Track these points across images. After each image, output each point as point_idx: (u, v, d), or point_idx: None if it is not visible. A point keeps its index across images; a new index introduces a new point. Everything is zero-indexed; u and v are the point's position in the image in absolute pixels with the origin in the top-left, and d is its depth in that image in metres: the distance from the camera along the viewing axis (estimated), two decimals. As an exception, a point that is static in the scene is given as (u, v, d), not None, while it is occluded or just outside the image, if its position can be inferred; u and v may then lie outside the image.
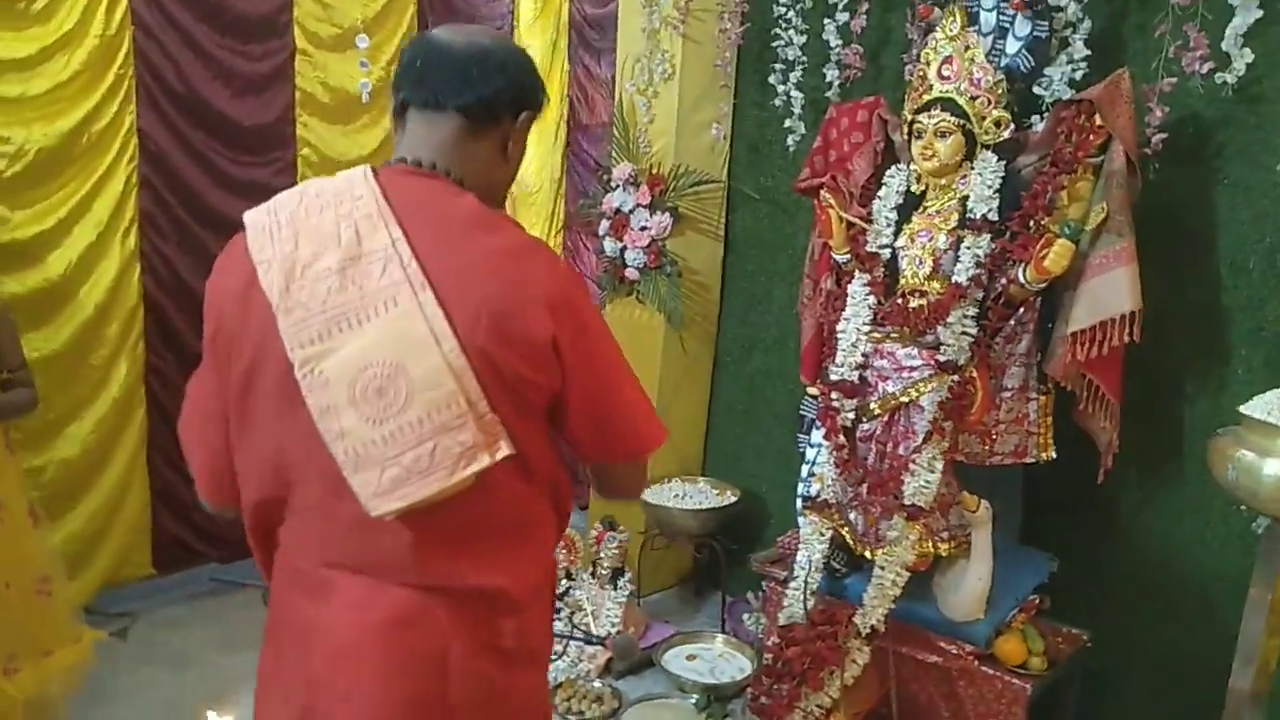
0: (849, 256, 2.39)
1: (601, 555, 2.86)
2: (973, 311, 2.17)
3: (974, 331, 2.17)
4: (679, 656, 2.72)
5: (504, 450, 1.06)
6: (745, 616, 2.98)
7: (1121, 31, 2.24)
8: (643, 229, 3.07)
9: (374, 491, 1.04)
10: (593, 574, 2.85)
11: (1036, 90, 2.25)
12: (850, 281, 2.39)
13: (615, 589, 2.82)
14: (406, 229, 1.07)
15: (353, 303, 1.06)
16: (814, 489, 2.35)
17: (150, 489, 3.10)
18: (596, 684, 2.59)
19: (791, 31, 2.80)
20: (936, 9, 2.34)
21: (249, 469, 1.16)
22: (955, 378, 2.16)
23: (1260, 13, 1.93)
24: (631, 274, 3.12)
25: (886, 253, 2.33)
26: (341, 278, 1.06)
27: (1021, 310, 2.18)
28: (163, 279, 3.10)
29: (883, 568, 2.18)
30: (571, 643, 2.67)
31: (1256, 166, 2.06)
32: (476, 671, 1.12)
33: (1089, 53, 2.19)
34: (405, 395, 1.03)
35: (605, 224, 3.16)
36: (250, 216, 1.14)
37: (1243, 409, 1.66)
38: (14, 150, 2.74)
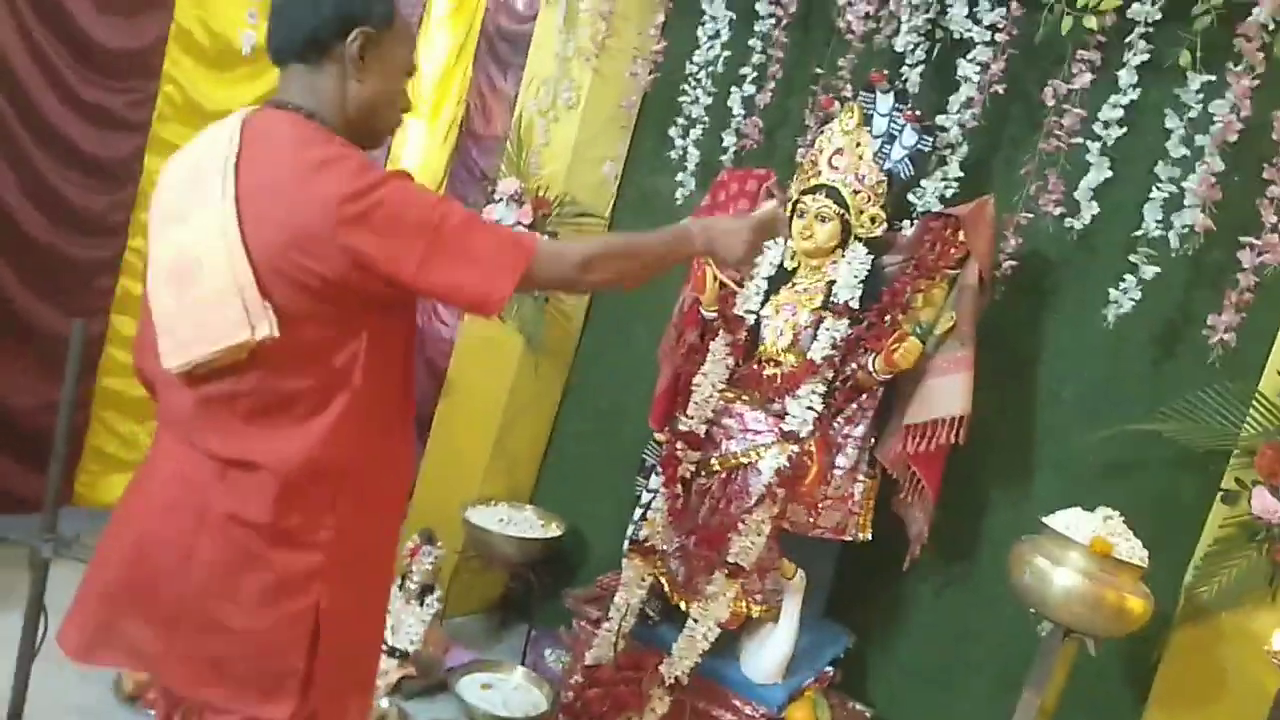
0: (716, 315, 2.47)
1: (413, 569, 2.76)
2: (822, 389, 2.28)
3: (819, 408, 2.27)
4: (474, 684, 2.66)
5: (264, 330, 1.20)
6: (548, 652, 2.95)
7: (993, 162, 2.45)
8: (518, 248, 3.04)
9: (167, 350, 1.27)
10: (400, 586, 2.74)
11: (911, 198, 2.42)
12: (713, 339, 2.46)
13: (421, 605, 2.72)
14: (243, 145, 1.24)
15: (185, 203, 1.27)
16: (643, 533, 2.37)
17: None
18: (384, 702, 2.49)
19: (699, 91, 2.89)
20: (837, 103, 2.48)
21: (143, 337, 1.37)
22: (795, 448, 2.26)
23: (1110, 173, 2.16)
24: (498, 290, 3.07)
25: (751, 318, 2.42)
26: (187, 184, 1.28)
27: (864, 397, 2.31)
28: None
29: (697, 620, 2.22)
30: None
31: (1085, 308, 2.29)
32: (228, 535, 1.25)
33: (962, 174, 2.37)
34: (197, 279, 1.23)
35: (481, 235, 3.11)
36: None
37: (1045, 519, 1.82)
38: None
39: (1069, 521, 1.80)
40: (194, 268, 1.23)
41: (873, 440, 2.32)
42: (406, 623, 2.68)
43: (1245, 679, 1.92)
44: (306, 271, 1.19)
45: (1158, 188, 2.10)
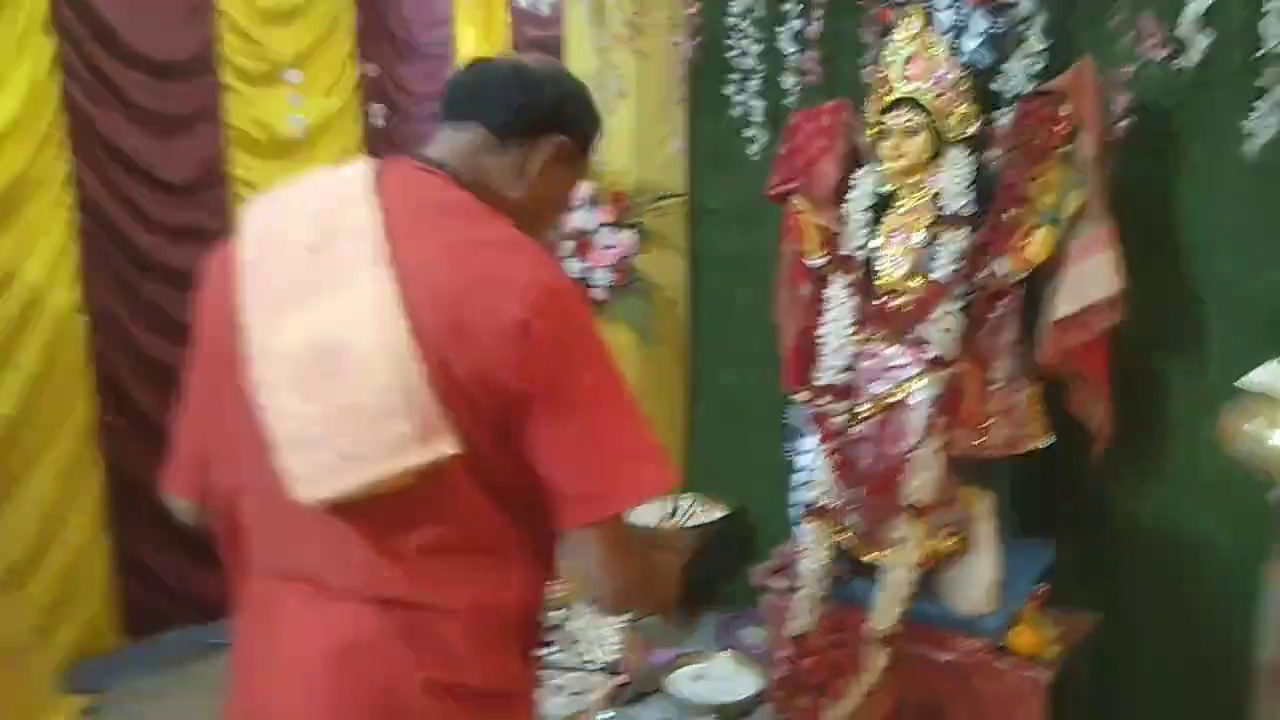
0: (825, 261, 2.40)
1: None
2: (955, 306, 2.18)
3: (958, 326, 2.18)
4: (684, 678, 2.67)
5: (444, 448, 0.96)
6: (742, 632, 2.95)
7: (1076, 23, 2.29)
8: (608, 248, 3.03)
9: (302, 474, 0.98)
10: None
11: (998, 85, 2.28)
12: (828, 285, 2.39)
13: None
14: (386, 210, 1.02)
15: (316, 279, 1.00)
16: (811, 495, 2.33)
17: (115, 555, 2.93)
18: (602, 716, 2.53)
19: (746, 41, 2.80)
20: (892, 11, 2.37)
21: (214, 457, 1.13)
22: (944, 373, 2.17)
23: (1212, -1, 1.99)
24: (599, 294, 3.07)
25: (862, 254, 2.34)
26: (309, 253, 1.01)
27: (1004, 301, 2.20)
28: (107, 331, 2.95)
29: (892, 569, 2.16)
30: (569, 676, 2.60)
31: (1218, 148, 2.12)
32: (435, 713, 1.01)
33: (1046, 45, 2.23)
34: (346, 375, 0.96)
35: (569, 245, 3.11)
36: (253, 200, 1.14)
37: (1241, 383, 1.70)
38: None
39: (1269, 377, 1.67)
40: (340, 361, 0.96)
41: (1024, 344, 2.21)
42: (604, 635, 2.71)
43: None
44: (482, 378, 0.98)
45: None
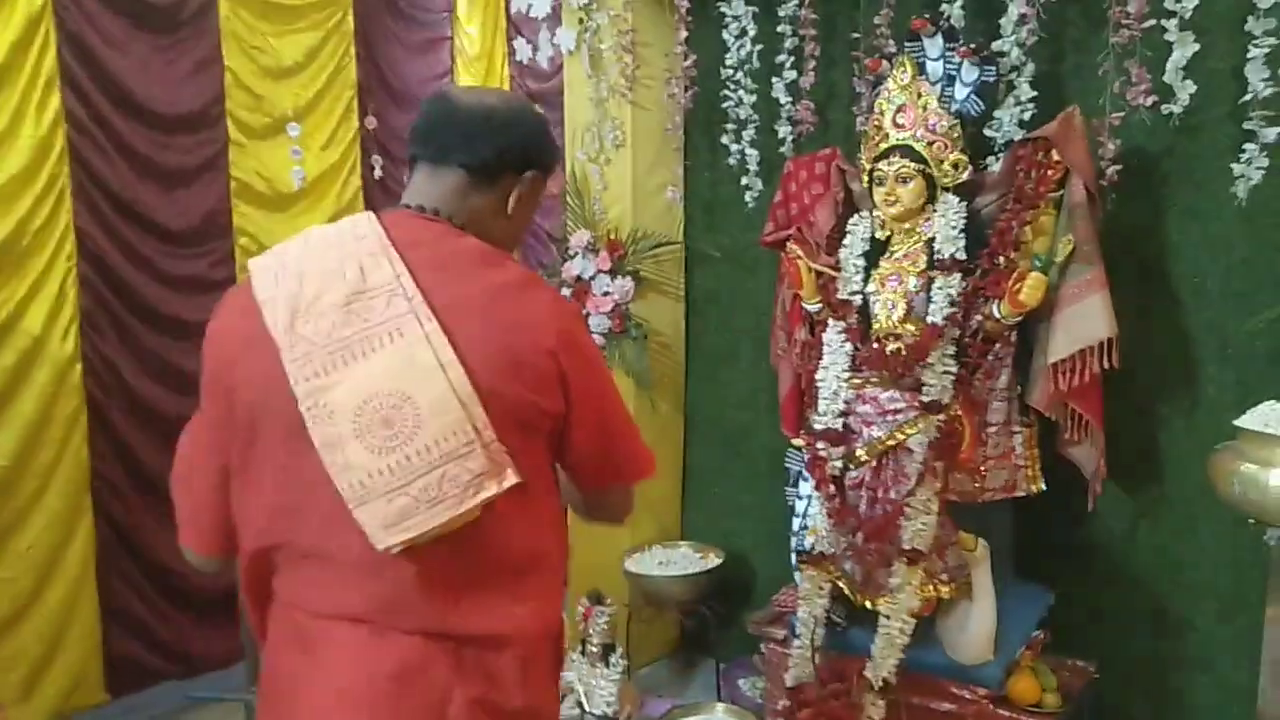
0: (820, 305, 2.40)
1: (590, 632, 2.75)
2: (951, 350, 2.18)
3: (955, 370, 2.18)
4: (680, 731, 2.62)
5: (511, 478, 1.06)
6: (741, 682, 2.89)
7: (1063, 72, 2.33)
8: (605, 294, 3.04)
9: (381, 523, 1.03)
10: (582, 652, 2.73)
11: (988, 132, 2.32)
12: (824, 330, 2.39)
13: (607, 666, 2.70)
14: (410, 265, 1.09)
15: (357, 336, 1.06)
16: (808, 542, 2.30)
17: (100, 606, 2.90)
18: (597, 769, 2.47)
19: (741, 92, 2.85)
20: (885, 62, 2.41)
21: (249, 516, 1.14)
22: (941, 417, 2.16)
23: (1197, 46, 2.02)
24: (597, 340, 3.08)
25: (858, 299, 2.34)
26: (346, 312, 1.07)
27: (998, 345, 2.20)
28: (105, 381, 2.95)
29: (888, 616, 2.13)
30: (564, 728, 2.55)
31: (1204, 192, 2.14)
32: None
33: (1035, 93, 2.26)
34: (412, 424, 1.03)
35: (566, 292, 3.13)
36: (254, 261, 1.17)
37: (1238, 422, 1.69)
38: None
39: (1265, 418, 1.66)
40: (407, 411, 1.02)
41: (1019, 388, 2.20)
42: (599, 687, 2.66)
43: None
44: (528, 406, 1.09)
45: (1254, 45, 1.95)
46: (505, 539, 1.11)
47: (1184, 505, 2.25)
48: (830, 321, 2.37)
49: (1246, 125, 2.00)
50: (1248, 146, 2.00)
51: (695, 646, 3.20)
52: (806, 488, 2.38)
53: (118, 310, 2.98)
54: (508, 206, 1.21)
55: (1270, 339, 2.12)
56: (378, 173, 3.66)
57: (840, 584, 2.29)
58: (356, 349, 1.05)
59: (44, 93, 2.78)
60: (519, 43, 3.39)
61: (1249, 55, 1.97)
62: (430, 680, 1.07)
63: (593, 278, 3.07)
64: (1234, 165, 2.03)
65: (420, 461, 1.03)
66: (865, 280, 2.34)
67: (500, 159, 1.19)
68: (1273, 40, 1.94)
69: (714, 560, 2.97)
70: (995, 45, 2.27)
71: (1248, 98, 1.99)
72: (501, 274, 1.14)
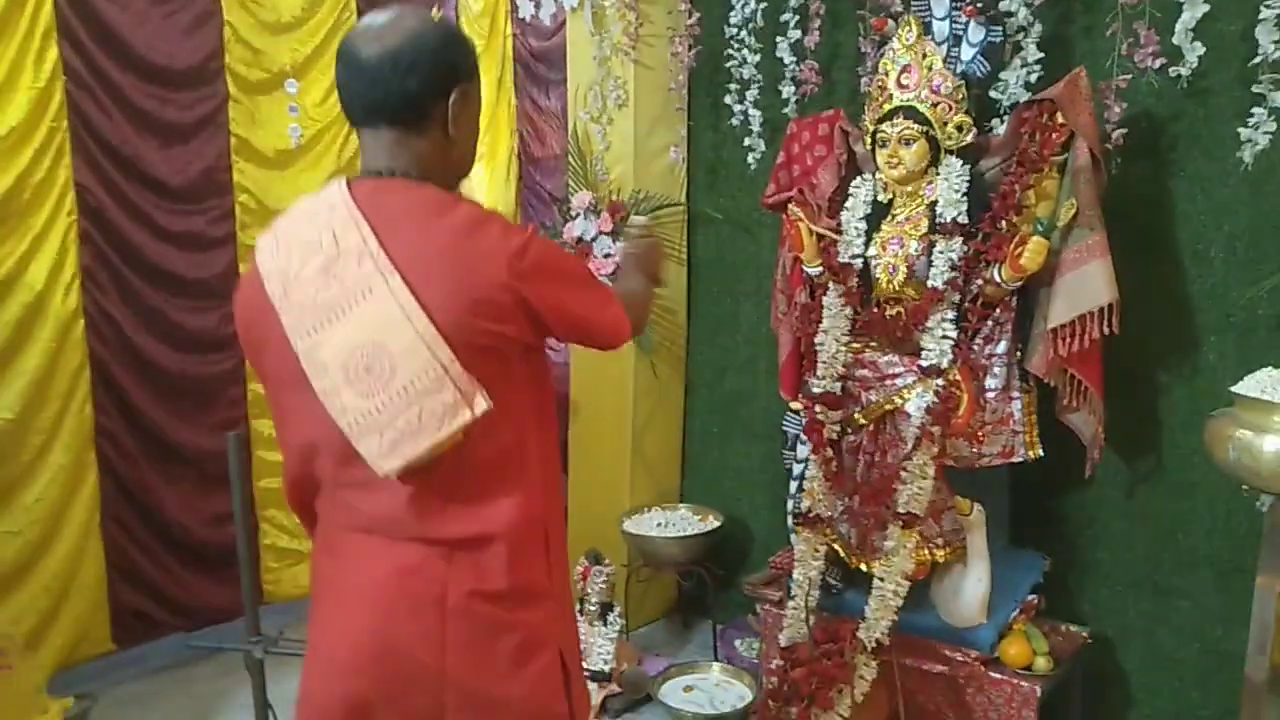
0: (821, 269, 2.39)
1: (589, 591, 2.78)
2: (951, 315, 2.18)
3: (954, 334, 2.17)
4: (676, 689, 2.65)
5: (482, 405, 1.18)
6: (737, 643, 2.93)
7: (1071, 33, 2.29)
8: (607, 256, 3.03)
9: (377, 454, 1.19)
10: (580, 611, 2.76)
11: (993, 94, 2.29)
12: (824, 294, 2.38)
13: (605, 624, 2.74)
14: (374, 226, 1.20)
15: (336, 297, 1.20)
16: (805, 504, 2.32)
17: (106, 559, 2.93)
18: (594, 725, 2.51)
19: (745, 51, 2.81)
20: (890, 21, 2.37)
21: (287, 452, 1.33)
22: (939, 382, 2.16)
23: (1207, 6, 1.98)
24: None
25: (859, 263, 2.33)
26: (325, 276, 1.20)
27: (999, 310, 2.19)
28: (107, 337, 2.96)
29: (882, 579, 2.15)
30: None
31: (1210, 157, 2.12)
32: (473, 612, 1.23)
33: (1042, 55, 2.23)
34: (390, 369, 1.17)
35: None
36: (260, 239, 1.28)
37: (1236, 389, 1.68)
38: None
39: (1262, 383, 1.65)
40: (383, 359, 1.17)
41: (1019, 353, 2.20)
42: (596, 644, 2.69)
43: None
44: (490, 335, 1.19)
45: (1265, 6, 1.91)
46: (484, 450, 1.23)
47: (1181, 472, 2.25)
48: (830, 285, 2.36)
49: (1255, 89, 1.97)
50: (1256, 111, 1.97)
51: (692, 607, 3.24)
52: (804, 451, 2.39)
53: (118, 266, 2.98)
54: (448, 132, 1.26)
55: (1272, 307, 2.10)
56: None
57: (836, 546, 2.30)
58: (337, 309, 1.19)
59: (41, 45, 2.75)
60: (521, -1, 3.35)
61: (1260, 17, 1.93)
62: (427, 576, 1.23)
63: (594, 239, 3.06)
64: (1241, 130, 2.00)
65: (401, 400, 1.17)
66: (866, 244, 2.33)
67: (421, 99, 1.23)
68: (1285, 1, 1.90)
69: (712, 523, 2.99)
70: (1002, 5, 2.23)
71: (1257, 60, 1.95)
72: (451, 219, 1.21)
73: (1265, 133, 1.97)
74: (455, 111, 1.25)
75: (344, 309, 1.19)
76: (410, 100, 1.22)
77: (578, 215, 3.09)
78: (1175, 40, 2.02)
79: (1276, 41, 1.92)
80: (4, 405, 2.73)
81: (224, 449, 2.09)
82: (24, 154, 2.74)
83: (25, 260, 2.78)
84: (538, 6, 3.27)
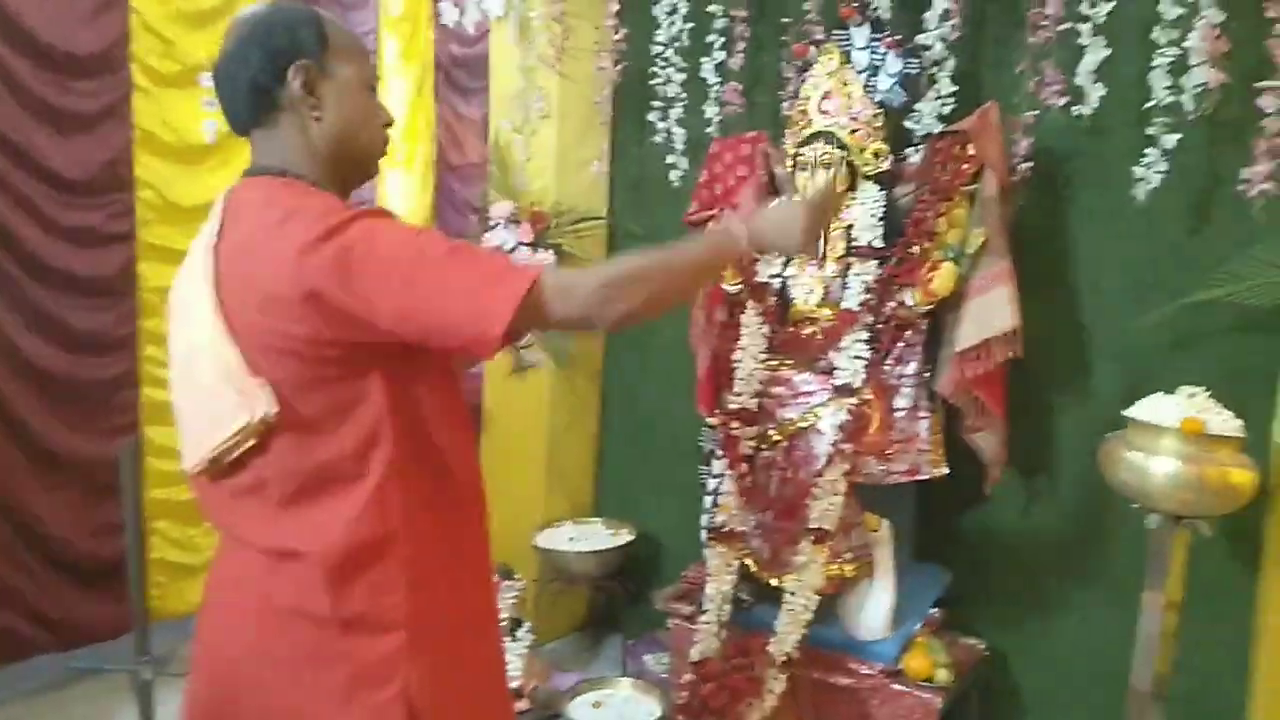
0: (740, 287, 2.43)
1: (498, 606, 2.73)
2: (864, 336, 2.24)
3: (866, 355, 2.23)
4: (584, 705, 2.62)
5: (263, 409, 1.12)
6: (647, 658, 2.92)
7: (983, 69, 2.39)
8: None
9: (185, 450, 1.21)
10: (489, 626, 2.71)
11: (909, 124, 2.36)
12: (742, 312, 2.42)
13: (515, 640, 2.69)
14: (223, 226, 1.19)
15: (186, 295, 1.22)
16: (719, 519, 2.34)
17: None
18: (500, 742, 2.46)
19: (670, 70, 2.84)
20: (813, 48, 2.43)
21: None
22: (852, 400, 2.22)
23: (1108, 50, 2.10)
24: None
25: (777, 282, 2.38)
26: (186, 276, 1.22)
27: (909, 333, 2.26)
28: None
29: (793, 594, 2.18)
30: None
31: (1111, 192, 2.23)
32: (295, 630, 1.16)
33: (955, 88, 2.32)
34: (197, 367, 1.18)
35: (486, 263, 3.08)
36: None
37: (1129, 412, 1.77)
38: None
39: (1153, 408, 1.75)
40: (194, 360, 1.18)
41: (927, 374, 2.27)
42: (506, 660, 2.64)
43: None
44: (285, 336, 1.11)
45: (1159, 53, 2.03)
46: (297, 459, 1.16)
47: (1074, 491, 2.35)
48: (749, 303, 2.40)
49: (1149, 130, 2.08)
50: (1149, 151, 2.09)
51: (603, 622, 3.22)
52: (719, 466, 2.41)
53: (5, 265, 2.81)
54: (309, 116, 1.20)
55: (1160, 336, 2.22)
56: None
57: (748, 561, 2.32)
58: (184, 305, 1.22)
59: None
60: (444, 4, 3.30)
61: (1153, 63, 2.05)
62: (252, 586, 1.19)
63: (513, 250, 3.03)
64: (1135, 169, 2.12)
65: (203, 400, 1.17)
66: (785, 264, 2.38)
67: (256, 90, 1.19)
68: (1175, 50, 2.03)
69: (625, 537, 2.98)
70: (919, 39, 2.31)
71: (1151, 104, 2.08)
72: (271, 213, 1.14)
73: (1157, 172, 2.09)
74: (302, 89, 1.18)
75: (188, 308, 1.20)
76: (250, 92, 1.19)
77: (497, 225, 3.06)
78: (1079, 81, 2.13)
79: (1168, 87, 2.05)
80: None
81: (112, 457, 1.98)
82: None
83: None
84: (461, 13, 3.24)
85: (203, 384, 1.16)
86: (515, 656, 2.67)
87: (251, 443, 1.14)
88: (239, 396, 1.13)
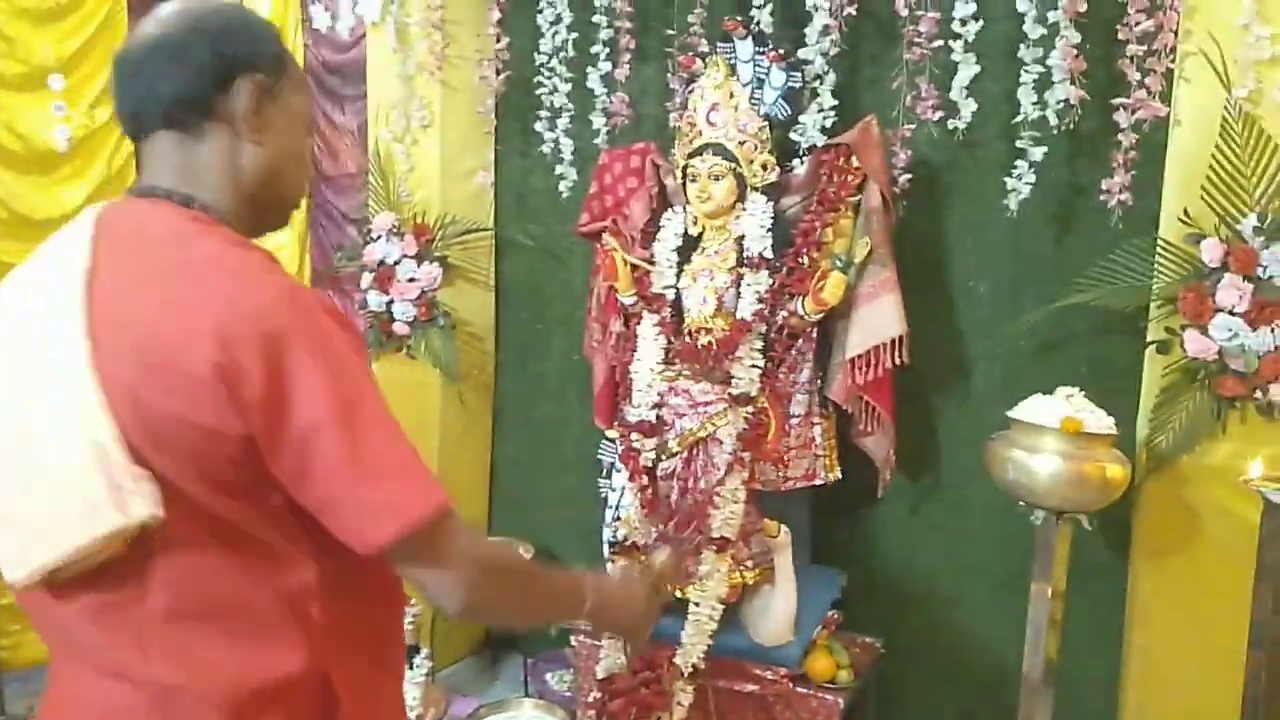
0: (635, 299, 2.42)
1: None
2: (759, 344, 2.27)
3: (761, 364, 2.26)
4: (488, 729, 2.56)
5: (141, 510, 0.86)
6: (549, 676, 2.88)
7: (862, 83, 2.47)
8: (410, 280, 2.92)
9: (6, 558, 0.90)
10: (383, 655, 2.61)
11: (793, 136, 2.41)
12: (638, 323, 2.41)
13: (411, 668, 2.60)
14: (97, 263, 0.92)
15: (15, 342, 0.93)
16: (621, 533, 2.32)
17: None
18: (400, 776, 2.37)
19: (555, 79, 2.81)
20: (699, 60, 2.45)
21: None
22: (749, 409, 2.24)
23: (978, 68, 2.20)
24: (401, 328, 2.95)
25: (671, 293, 2.38)
26: (14, 314, 0.95)
27: (801, 341, 2.31)
28: None
29: (698, 604, 2.18)
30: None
31: (984, 203, 2.34)
32: None
33: (836, 102, 2.38)
34: (32, 444, 0.88)
35: (368, 277, 2.98)
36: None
37: (1011, 413, 1.85)
38: None
39: (1034, 409, 1.84)
40: (27, 429, 0.89)
41: (819, 381, 2.32)
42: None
43: (1220, 514, 2.01)
44: (180, 422, 0.87)
45: (1025, 71, 2.14)
46: (194, 576, 0.92)
47: (958, 490, 2.46)
48: (645, 314, 2.39)
49: (1018, 144, 2.20)
50: (1019, 163, 2.20)
51: (500, 643, 3.16)
52: (619, 479, 2.40)
53: None
54: (247, 138, 1.00)
55: (1032, 339, 2.35)
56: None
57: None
58: (10, 355, 0.93)
59: None
60: (316, 9, 3.18)
61: (1020, 80, 2.16)
62: None
63: (397, 263, 2.94)
64: (1006, 180, 2.23)
65: (36, 491, 0.88)
66: (678, 275, 2.39)
67: (191, 91, 0.97)
68: (1040, 68, 2.14)
69: (523, 554, 2.92)
70: (801, 53, 2.37)
71: (1019, 119, 2.19)
72: (186, 250, 0.92)
73: (1026, 183, 2.20)
74: (246, 107, 0.99)
75: (25, 356, 0.91)
76: (182, 91, 0.97)
77: (379, 237, 2.96)
78: (953, 95, 2.22)
79: (1034, 103, 2.16)
80: None
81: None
82: None
83: None
84: (334, 18, 3.12)
85: (49, 464, 0.87)
86: (413, 685, 2.57)
87: (116, 553, 0.88)
88: (107, 491, 0.85)
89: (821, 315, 2.24)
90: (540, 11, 2.79)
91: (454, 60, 2.90)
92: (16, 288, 0.98)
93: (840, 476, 2.34)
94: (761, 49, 2.37)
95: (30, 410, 0.89)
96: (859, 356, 2.22)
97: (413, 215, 2.96)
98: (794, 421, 2.32)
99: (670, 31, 2.62)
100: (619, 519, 2.35)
